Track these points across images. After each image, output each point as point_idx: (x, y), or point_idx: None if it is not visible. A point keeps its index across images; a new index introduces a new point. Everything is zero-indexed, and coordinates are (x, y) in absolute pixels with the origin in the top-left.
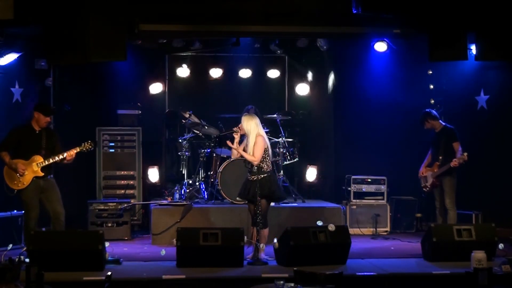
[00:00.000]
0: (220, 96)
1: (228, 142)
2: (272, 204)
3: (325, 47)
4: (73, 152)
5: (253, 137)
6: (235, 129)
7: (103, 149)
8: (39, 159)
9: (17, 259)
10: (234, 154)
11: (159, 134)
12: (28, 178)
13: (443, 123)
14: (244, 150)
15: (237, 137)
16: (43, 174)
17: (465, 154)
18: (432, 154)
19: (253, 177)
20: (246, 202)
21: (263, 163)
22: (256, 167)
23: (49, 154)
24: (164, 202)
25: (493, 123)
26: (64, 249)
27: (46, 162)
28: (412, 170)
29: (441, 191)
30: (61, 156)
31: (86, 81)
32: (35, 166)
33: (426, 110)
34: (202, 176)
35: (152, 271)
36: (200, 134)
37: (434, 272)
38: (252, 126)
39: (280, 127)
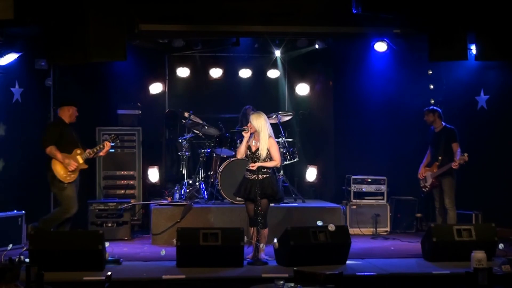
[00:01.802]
0: (220, 96)
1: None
2: (272, 204)
3: (324, 48)
4: (109, 144)
5: (265, 136)
6: (245, 127)
7: None
8: (81, 152)
9: (17, 259)
10: (241, 153)
11: (159, 134)
12: (77, 172)
13: (443, 123)
14: (250, 147)
15: (246, 135)
16: (87, 166)
17: (466, 154)
18: (431, 154)
19: (254, 176)
20: (244, 201)
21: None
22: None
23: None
24: (164, 202)
25: (493, 123)
26: (64, 249)
27: (89, 155)
28: (412, 170)
29: (441, 191)
30: (99, 147)
31: (86, 81)
32: (80, 159)
33: (436, 107)
34: (202, 176)
35: (152, 271)
36: (200, 134)
37: (434, 272)
38: (262, 123)
39: (280, 127)
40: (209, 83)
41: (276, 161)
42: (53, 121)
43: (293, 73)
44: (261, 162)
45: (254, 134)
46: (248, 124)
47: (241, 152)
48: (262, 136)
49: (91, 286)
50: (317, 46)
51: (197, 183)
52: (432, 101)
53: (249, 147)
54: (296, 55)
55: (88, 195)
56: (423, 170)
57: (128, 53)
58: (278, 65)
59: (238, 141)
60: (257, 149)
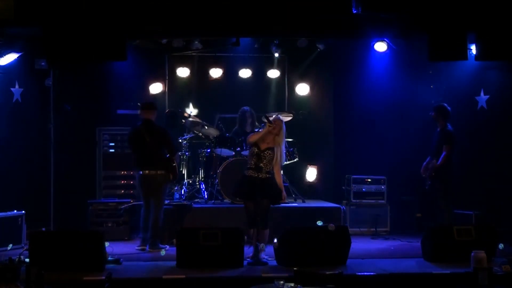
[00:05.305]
0: (220, 96)
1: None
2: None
3: (323, 48)
4: None
5: (281, 142)
6: (270, 124)
7: (103, 149)
8: None
9: (17, 259)
10: (254, 139)
11: None
12: None
13: (447, 124)
14: (259, 144)
15: (269, 129)
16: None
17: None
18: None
19: (257, 174)
20: (243, 201)
21: (267, 163)
22: (257, 166)
23: None
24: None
25: (493, 123)
26: (64, 249)
27: None
28: (412, 170)
29: (435, 192)
30: None
31: (86, 81)
32: None
33: (447, 107)
34: (202, 176)
35: (152, 271)
36: (200, 134)
37: (434, 272)
38: (284, 130)
39: None
40: (209, 83)
41: (278, 164)
42: (161, 126)
43: (293, 73)
44: (266, 161)
45: (269, 134)
46: (276, 122)
47: (255, 138)
48: (279, 141)
49: (91, 286)
50: (319, 49)
51: (197, 183)
52: (432, 101)
53: (257, 144)
54: (296, 55)
55: (88, 195)
56: (424, 169)
57: (128, 53)
58: (278, 65)
59: (239, 140)
60: (266, 149)
